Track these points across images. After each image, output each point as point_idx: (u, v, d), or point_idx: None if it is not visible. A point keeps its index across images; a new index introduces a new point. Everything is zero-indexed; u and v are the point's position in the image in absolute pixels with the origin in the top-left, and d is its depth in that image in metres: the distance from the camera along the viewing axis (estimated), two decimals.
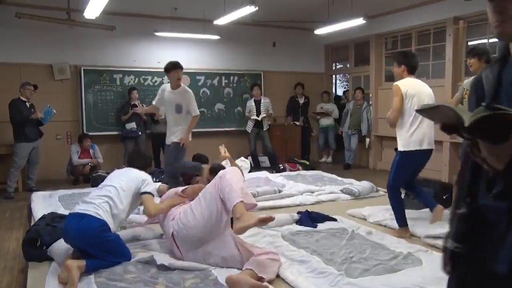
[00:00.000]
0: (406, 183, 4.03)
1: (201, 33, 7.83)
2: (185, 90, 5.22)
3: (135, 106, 7.27)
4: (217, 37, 7.99)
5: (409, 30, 7.61)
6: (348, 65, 9.63)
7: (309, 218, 4.15)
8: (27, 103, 6.15)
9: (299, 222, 4.13)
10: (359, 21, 6.69)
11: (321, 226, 4.06)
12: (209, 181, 5.36)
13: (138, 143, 7.45)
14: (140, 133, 7.41)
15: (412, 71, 3.79)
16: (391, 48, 8.28)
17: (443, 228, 3.64)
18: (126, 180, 3.28)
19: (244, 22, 7.91)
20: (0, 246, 3.92)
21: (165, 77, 8.11)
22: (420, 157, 3.78)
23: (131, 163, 3.58)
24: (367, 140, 8.32)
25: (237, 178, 2.99)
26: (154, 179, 5.88)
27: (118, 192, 3.18)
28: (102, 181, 5.85)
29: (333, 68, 10.16)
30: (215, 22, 6.93)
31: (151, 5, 7.27)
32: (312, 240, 3.60)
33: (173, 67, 5.09)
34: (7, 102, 6.10)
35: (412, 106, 3.63)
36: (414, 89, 3.69)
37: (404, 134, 3.73)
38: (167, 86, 5.21)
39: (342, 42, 9.14)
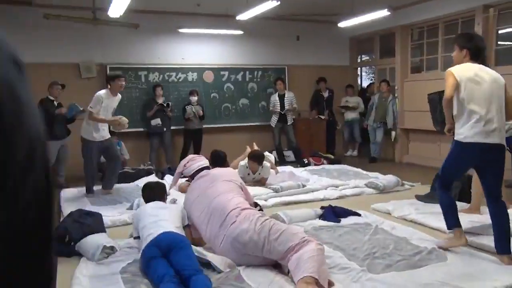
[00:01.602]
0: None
1: (224, 28, 7.86)
2: (120, 96, 5.58)
3: (163, 106, 7.41)
4: (240, 32, 8.00)
5: (436, 20, 7.42)
6: (373, 57, 9.48)
7: (333, 213, 4.13)
8: (55, 102, 6.32)
9: (322, 217, 4.12)
10: (383, 13, 6.58)
11: (344, 221, 4.04)
12: (248, 168, 5.49)
13: (164, 139, 7.57)
14: (165, 129, 7.51)
15: (475, 56, 3.16)
16: (417, 39, 8.11)
17: (470, 223, 3.58)
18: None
19: (267, 16, 7.88)
20: None
21: (190, 73, 8.24)
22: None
23: (151, 198, 3.50)
24: (393, 133, 8.19)
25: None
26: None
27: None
28: (129, 179, 6.05)
29: (358, 60, 10.02)
30: (238, 17, 6.94)
31: (174, 2, 7.34)
32: (335, 235, 3.59)
33: (117, 77, 5.40)
34: (36, 102, 6.26)
35: (470, 91, 3.03)
36: (473, 71, 3.07)
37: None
38: (104, 95, 5.28)
39: (366, 34, 8.99)
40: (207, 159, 5.43)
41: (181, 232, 3.11)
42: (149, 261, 2.69)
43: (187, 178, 5.50)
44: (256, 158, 5.58)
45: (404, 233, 3.60)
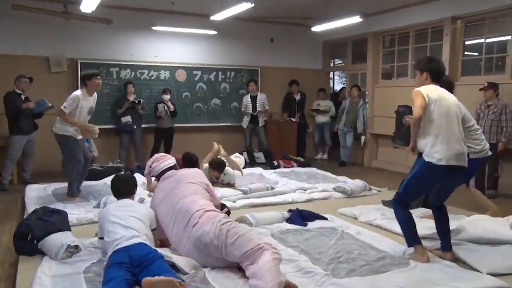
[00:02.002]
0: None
1: (199, 27, 7.83)
2: (96, 96, 5.25)
3: (134, 102, 7.31)
4: (214, 32, 7.99)
5: (406, 28, 7.61)
6: (345, 62, 9.63)
7: (300, 217, 4.18)
8: (22, 96, 6.15)
9: (289, 220, 4.16)
10: (356, 19, 6.71)
11: (311, 224, 4.09)
12: (211, 178, 5.46)
13: (134, 136, 7.48)
14: (135, 126, 7.43)
15: (436, 78, 3.24)
16: (389, 46, 8.29)
17: (431, 229, 3.68)
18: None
19: (241, 17, 7.91)
20: None
21: (162, 71, 8.16)
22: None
23: (120, 191, 3.47)
24: (363, 138, 8.35)
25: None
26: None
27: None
28: (97, 176, 5.92)
29: (331, 65, 10.16)
30: (212, 17, 6.93)
31: None
32: (301, 239, 3.63)
33: (93, 75, 5.05)
34: (2, 94, 6.11)
35: (438, 111, 3.10)
36: (437, 94, 3.15)
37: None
38: (80, 95, 4.96)
39: (340, 39, 9.13)
40: (176, 158, 5.41)
41: (150, 235, 3.09)
42: (112, 266, 2.66)
43: (154, 178, 5.45)
44: (216, 166, 5.66)
45: (369, 238, 3.68)
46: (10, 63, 6.85)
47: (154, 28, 7.61)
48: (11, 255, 3.47)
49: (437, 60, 3.39)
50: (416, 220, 4.08)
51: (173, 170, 3.70)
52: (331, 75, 10.41)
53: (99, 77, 5.11)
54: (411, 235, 3.24)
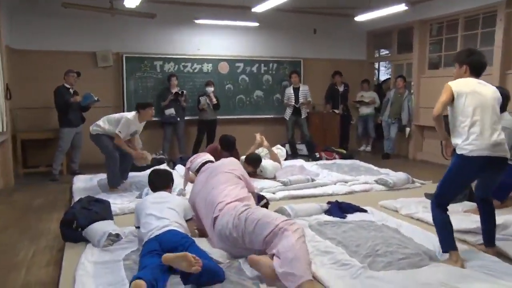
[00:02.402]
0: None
1: (241, 20, 7.84)
2: (144, 122, 5.44)
3: (178, 94, 7.44)
4: (256, 24, 7.98)
5: (456, 15, 7.26)
6: (391, 52, 9.35)
7: (339, 209, 4.12)
8: (70, 90, 6.42)
9: (328, 212, 4.10)
10: (401, 7, 6.48)
11: (350, 217, 4.02)
12: (248, 172, 5.47)
13: (177, 129, 7.62)
14: (178, 119, 7.56)
15: (475, 72, 3.08)
16: (436, 34, 7.96)
17: (475, 223, 3.52)
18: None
19: (283, 9, 7.85)
20: (43, 226, 4.16)
21: (205, 64, 8.25)
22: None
23: (156, 185, 3.59)
24: (407, 129, 8.09)
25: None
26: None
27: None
28: (141, 167, 6.08)
29: (376, 55, 9.89)
30: (254, 9, 6.91)
31: None
32: (339, 231, 3.57)
33: (148, 106, 5.27)
34: (52, 89, 6.39)
35: (471, 104, 2.94)
36: (471, 87, 2.98)
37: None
38: (133, 120, 5.16)
39: (384, 28, 8.86)
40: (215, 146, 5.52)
41: (184, 224, 3.14)
42: (147, 254, 2.72)
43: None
44: (251, 161, 5.60)
45: (409, 232, 3.57)
46: (60, 59, 7.15)
47: (196, 21, 7.69)
48: (59, 241, 3.63)
49: (478, 52, 3.19)
50: (460, 214, 3.97)
51: (209, 164, 3.75)
52: (376, 66, 10.14)
53: (153, 107, 5.32)
54: (446, 240, 3.02)
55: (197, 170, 3.80)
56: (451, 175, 3.05)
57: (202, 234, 3.44)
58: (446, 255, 3.01)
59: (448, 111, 3.07)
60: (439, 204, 3.10)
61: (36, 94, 7.04)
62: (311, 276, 2.52)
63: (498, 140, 2.94)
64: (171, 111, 7.47)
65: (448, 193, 3.12)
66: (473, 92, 2.97)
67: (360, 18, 7.41)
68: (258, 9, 6.85)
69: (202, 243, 3.11)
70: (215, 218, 3.11)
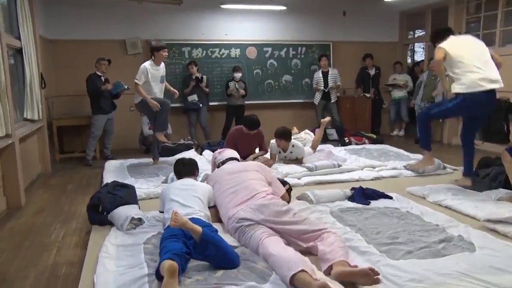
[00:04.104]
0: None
1: (268, 4, 7.76)
2: (163, 65, 5.77)
3: (198, 79, 7.47)
4: (283, 7, 7.87)
5: None
6: (424, 33, 9.02)
7: (363, 195, 4.04)
8: (102, 77, 6.57)
9: (351, 198, 4.04)
10: None
11: (374, 203, 3.94)
12: (280, 146, 5.48)
13: (200, 115, 7.66)
14: (201, 105, 7.59)
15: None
16: (474, 12, 7.59)
17: (509, 212, 3.39)
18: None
19: None
20: (74, 209, 4.32)
21: (233, 49, 8.24)
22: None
23: (182, 173, 3.67)
24: None
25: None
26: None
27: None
28: (169, 152, 6.19)
29: (409, 36, 9.56)
30: None
31: None
32: (360, 218, 3.52)
33: (162, 48, 5.54)
34: (85, 77, 6.56)
35: (462, 54, 3.88)
36: (456, 41, 3.98)
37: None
38: (148, 65, 5.50)
39: (418, 8, 8.55)
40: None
41: (207, 213, 3.18)
42: (168, 238, 2.77)
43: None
44: (283, 136, 5.51)
45: (435, 219, 3.46)
46: (91, 48, 7.33)
47: (223, 6, 7.67)
48: (87, 224, 3.75)
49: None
50: (493, 202, 3.83)
51: (236, 161, 3.87)
52: (410, 48, 9.81)
53: (166, 49, 5.61)
54: (427, 140, 4.31)
55: (222, 163, 3.85)
56: (449, 108, 4.16)
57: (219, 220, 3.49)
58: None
59: None
60: (429, 117, 4.24)
61: (70, 82, 7.26)
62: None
63: (484, 75, 3.94)
64: (193, 97, 7.51)
65: (440, 117, 4.63)
66: (459, 43, 4.10)
67: None
68: None
69: (220, 228, 3.16)
70: (261, 198, 3.14)
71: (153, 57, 5.55)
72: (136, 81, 5.43)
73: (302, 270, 2.37)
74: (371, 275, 2.43)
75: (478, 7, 7.50)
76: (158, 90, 5.64)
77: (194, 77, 7.52)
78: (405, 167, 5.33)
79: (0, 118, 4.08)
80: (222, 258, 2.61)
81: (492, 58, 3.98)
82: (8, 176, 4.39)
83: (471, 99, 3.83)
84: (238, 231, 2.99)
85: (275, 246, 2.67)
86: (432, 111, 4.23)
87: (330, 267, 2.56)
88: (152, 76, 5.50)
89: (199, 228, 2.63)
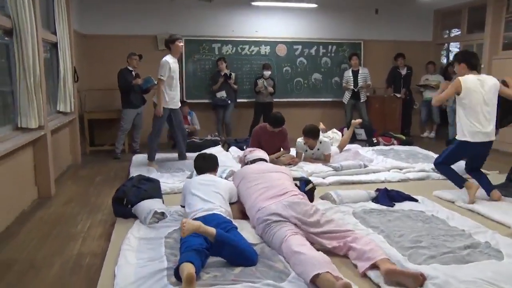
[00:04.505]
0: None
1: (298, 1, 7.71)
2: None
3: (226, 75, 7.49)
4: (314, 5, 7.81)
5: None
6: (459, 32, 8.75)
7: (387, 197, 3.98)
8: (133, 72, 6.69)
9: (375, 200, 3.98)
10: None
11: (399, 205, 3.87)
12: (307, 144, 5.46)
13: (227, 111, 7.69)
14: (229, 101, 7.62)
15: (472, 67, 4.10)
16: None
17: None
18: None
19: None
20: (101, 201, 4.43)
21: (262, 46, 8.24)
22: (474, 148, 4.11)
23: (202, 168, 3.69)
24: None
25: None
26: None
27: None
28: (196, 148, 6.24)
29: (444, 36, 9.30)
30: None
31: None
32: (384, 220, 3.46)
33: (177, 39, 5.52)
34: (117, 71, 6.70)
35: (471, 101, 3.97)
36: (475, 84, 3.99)
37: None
38: (169, 59, 5.46)
39: (453, 6, 8.30)
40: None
41: (228, 209, 3.20)
42: (189, 236, 2.80)
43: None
44: (310, 133, 5.47)
45: (461, 224, 3.37)
46: (122, 43, 7.47)
47: (253, 3, 7.67)
48: (112, 216, 3.84)
49: (473, 53, 4.36)
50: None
51: (265, 162, 3.91)
52: (445, 47, 9.54)
53: (181, 40, 5.62)
54: (459, 178, 4.22)
55: (252, 162, 3.87)
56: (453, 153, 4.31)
57: (244, 216, 3.49)
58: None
59: None
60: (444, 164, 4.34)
61: (102, 76, 7.43)
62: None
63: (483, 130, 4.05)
64: (222, 93, 7.55)
65: (451, 161, 4.34)
66: (478, 90, 4.05)
67: None
68: None
69: (241, 224, 3.17)
70: (292, 195, 3.17)
71: (169, 50, 5.55)
72: (161, 77, 5.42)
73: (327, 272, 2.37)
74: (421, 280, 2.41)
75: None
76: (177, 84, 5.68)
77: (223, 74, 7.55)
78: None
79: (34, 110, 4.21)
80: (239, 257, 2.62)
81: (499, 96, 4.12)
82: (39, 167, 4.54)
83: (467, 146, 4.09)
84: (264, 224, 2.98)
85: (300, 244, 2.67)
86: (441, 159, 4.34)
87: (373, 265, 2.57)
88: (173, 70, 5.52)
89: (212, 230, 2.64)
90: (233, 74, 7.67)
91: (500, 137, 7.34)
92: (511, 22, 7.40)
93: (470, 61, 4.12)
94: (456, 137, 4.21)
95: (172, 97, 5.59)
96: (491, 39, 7.44)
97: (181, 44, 5.62)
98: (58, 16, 5.52)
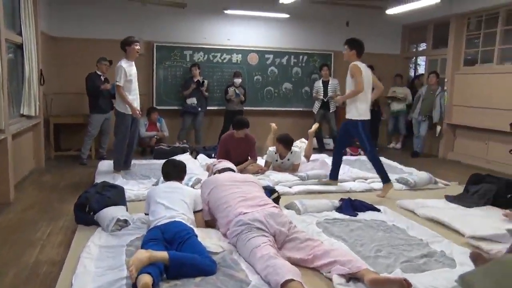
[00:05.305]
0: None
1: (271, 11, 7.80)
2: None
3: (199, 82, 7.48)
4: (286, 15, 7.91)
5: (496, 8, 6.90)
6: (426, 47, 9.03)
7: (351, 206, 4.05)
8: (102, 77, 6.60)
9: (339, 209, 4.04)
10: (434, 0, 6.23)
11: (362, 215, 3.94)
12: (278, 152, 5.49)
13: (197, 119, 7.67)
14: (199, 109, 7.60)
15: (360, 55, 4.85)
16: (474, 29, 7.61)
17: (494, 229, 3.40)
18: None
19: (315, 0, 7.74)
20: (63, 207, 4.32)
21: (234, 54, 8.28)
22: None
23: (169, 175, 3.65)
24: (438, 128, 7.81)
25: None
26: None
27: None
28: (164, 155, 6.19)
29: (412, 49, 9.57)
30: (281, 0, 6.84)
31: None
32: (346, 230, 3.52)
33: (133, 42, 5.31)
34: (84, 76, 6.59)
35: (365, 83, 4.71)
36: (365, 70, 4.81)
37: (360, 106, 4.78)
38: (124, 63, 5.26)
39: (420, 22, 8.57)
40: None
41: (191, 217, 3.19)
42: (148, 242, 2.78)
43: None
44: (284, 142, 5.52)
45: (420, 234, 3.47)
46: (92, 47, 7.37)
47: (226, 11, 7.71)
48: (74, 223, 3.75)
49: (361, 42, 4.94)
50: (479, 218, 3.84)
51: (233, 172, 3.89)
52: (413, 61, 9.83)
53: (138, 43, 5.39)
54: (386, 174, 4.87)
55: (220, 171, 3.86)
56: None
57: (209, 225, 3.48)
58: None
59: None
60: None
61: (70, 80, 7.30)
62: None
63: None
64: (192, 100, 7.53)
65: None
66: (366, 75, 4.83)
67: (391, 11, 7.20)
68: (285, 0, 6.76)
69: (204, 233, 3.16)
70: (272, 207, 3.18)
71: (125, 52, 5.34)
72: (117, 83, 5.21)
73: (294, 280, 2.39)
74: (405, 285, 2.44)
75: (478, 24, 7.52)
76: (135, 88, 5.46)
77: (195, 80, 7.54)
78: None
79: None
80: (197, 271, 2.61)
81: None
82: None
83: (366, 124, 4.86)
84: (244, 227, 2.94)
85: (272, 253, 2.67)
86: (369, 146, 4.93)
87: (355, 274, 2.59)
88: (129, 74, 5.30)
89: (164, 254, 2.56)
90: (205, 82, 7.67)
91: (460, 149, 7.66)
92: (471, 40, 7.69)
93: (360, 49, 4.81)
94: (352, 118, 4.82)
95: (131, 102, 5.42)
96: (454, 55, 7.71)
97: (138, 47, 5.36)
98: (24, 17, 5.40)
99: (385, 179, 4.86)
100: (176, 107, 7.88)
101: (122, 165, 5.52)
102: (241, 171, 5.52)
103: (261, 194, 3.41)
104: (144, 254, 2.49)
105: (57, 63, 7.33)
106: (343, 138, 5.17)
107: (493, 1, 6.82)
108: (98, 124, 6.60)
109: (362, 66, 4.78)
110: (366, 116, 4.86)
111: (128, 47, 5.33)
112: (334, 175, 5.23)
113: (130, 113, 5.38)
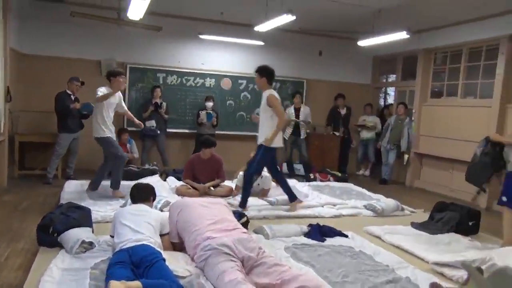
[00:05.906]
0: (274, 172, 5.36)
1: (246, 38, 7.92)
2: (120, 94, 5.57)
3: (157, 104, 7.42)
4: (261, 43, 8.05)
5: (460, 46, 7.26)
6: (395, 78, 9.35)
7: (319, 232, 4.08)
8: (72, 96, 6.51)
9: (307, 234, 4.07)
10: (403, 35, 6.50)
11: (330, 241, 3.98)
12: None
13: (157, 142, 7.53)
14: (159, 132, 7.45)
15: (271, 82, 5.12)
16: (440, 64, 7.95)
17: (457, 256, 3.47)
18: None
19: (289, 29, 7.95)
20: (24, 228, 4.18)
21: (208, 78, 8.33)
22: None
23: (137, 198, 3.63)
24: (406, 156, 8.03)
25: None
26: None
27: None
28: (133, 177, 6.08)
29: (382, 80, 9.88)
30: (256, 28, 6.98)
31: (198, 8, 7.47)
32: (314, 255, 3.54)
33: (119, 74, 5.36)
34: (54, 94, 6.49)
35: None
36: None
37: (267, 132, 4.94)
38: (104, 90, 5.28)
39: (390, 54, 8.90)
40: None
41: (158, 240, 3.15)
42: (115, 265, 2.72)
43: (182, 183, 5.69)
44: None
45: (386, 260, 3.52)
46: (65, 65, 7.29)
47: (201, 36, 7.79)
48: (36, 245, 3.63)
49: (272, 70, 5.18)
50: (442, 245, 3.92)
51: None
52: (383, 91, 10.13)
53: (124, 76, 5.40)
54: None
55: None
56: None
57: (175, 248, 3.43)
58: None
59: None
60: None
61: (39, 98, 7.16)
62: None
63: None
64: (151, 123, 7.37)
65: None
66: None
67: (362, 43, 7.45)
68: (260, 28, 6.91)
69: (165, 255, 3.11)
70: (242, 232, 3.17)
71: (109, 83, 5.32)
72: (97, 95, 5.19)
73: None
74: None
75: (444, 58, 7.86)
76: (111, 116, 5.41)
77: (153, 102, 7.48)
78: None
79: None
80: None
81: None
82: None
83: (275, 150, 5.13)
84: (212, 251, 2.91)
85: (240, 278, 2.66)
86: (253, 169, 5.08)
87: None
88: (108, 102, 5.28)
89: (138, 284, 2.53)
90: (164, 104, 7.55)
91: (426, 177, 7.87)
92: (438, 73, 8.02)
93: (270, 77, 5.03)
94: (266, 144, 4.92)
95: (109, 126, 5.38)
96: (421, 87, 8.01)
97: (122, 80, 5.35)
98: None
99: (243, 204, 4.99)
100: (135, 129, 7.76)
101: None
102: (208, 192, 5.54)
103: (231, 218, 3.40)
104: (119, 286, 2.44)
105: (27, 80, 7.19)
106: (267, 163, 5.25)
107: (456, 39, 7.18)
108: (66, 144, 6.46)
109: (277, 94, 5.06)
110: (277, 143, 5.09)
111: (113, 78, 5.30)
112: (291, 197, 5.23)
113: (109, 135, 5.32)
